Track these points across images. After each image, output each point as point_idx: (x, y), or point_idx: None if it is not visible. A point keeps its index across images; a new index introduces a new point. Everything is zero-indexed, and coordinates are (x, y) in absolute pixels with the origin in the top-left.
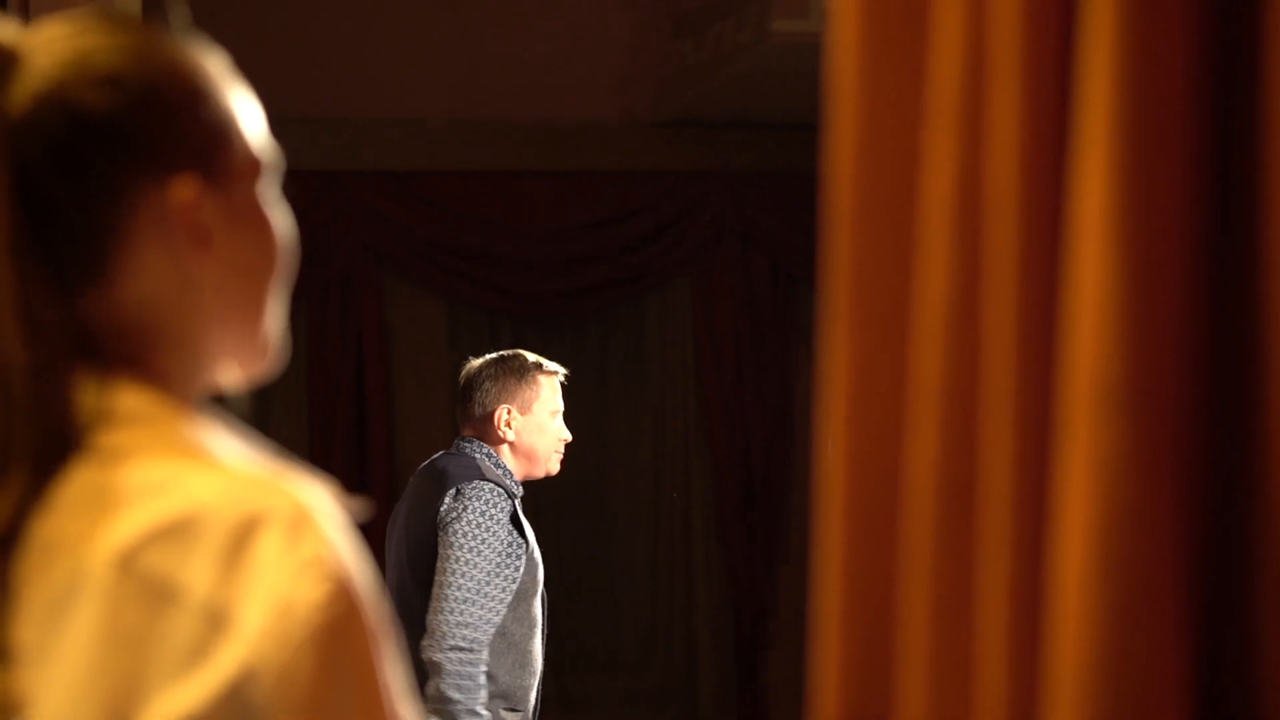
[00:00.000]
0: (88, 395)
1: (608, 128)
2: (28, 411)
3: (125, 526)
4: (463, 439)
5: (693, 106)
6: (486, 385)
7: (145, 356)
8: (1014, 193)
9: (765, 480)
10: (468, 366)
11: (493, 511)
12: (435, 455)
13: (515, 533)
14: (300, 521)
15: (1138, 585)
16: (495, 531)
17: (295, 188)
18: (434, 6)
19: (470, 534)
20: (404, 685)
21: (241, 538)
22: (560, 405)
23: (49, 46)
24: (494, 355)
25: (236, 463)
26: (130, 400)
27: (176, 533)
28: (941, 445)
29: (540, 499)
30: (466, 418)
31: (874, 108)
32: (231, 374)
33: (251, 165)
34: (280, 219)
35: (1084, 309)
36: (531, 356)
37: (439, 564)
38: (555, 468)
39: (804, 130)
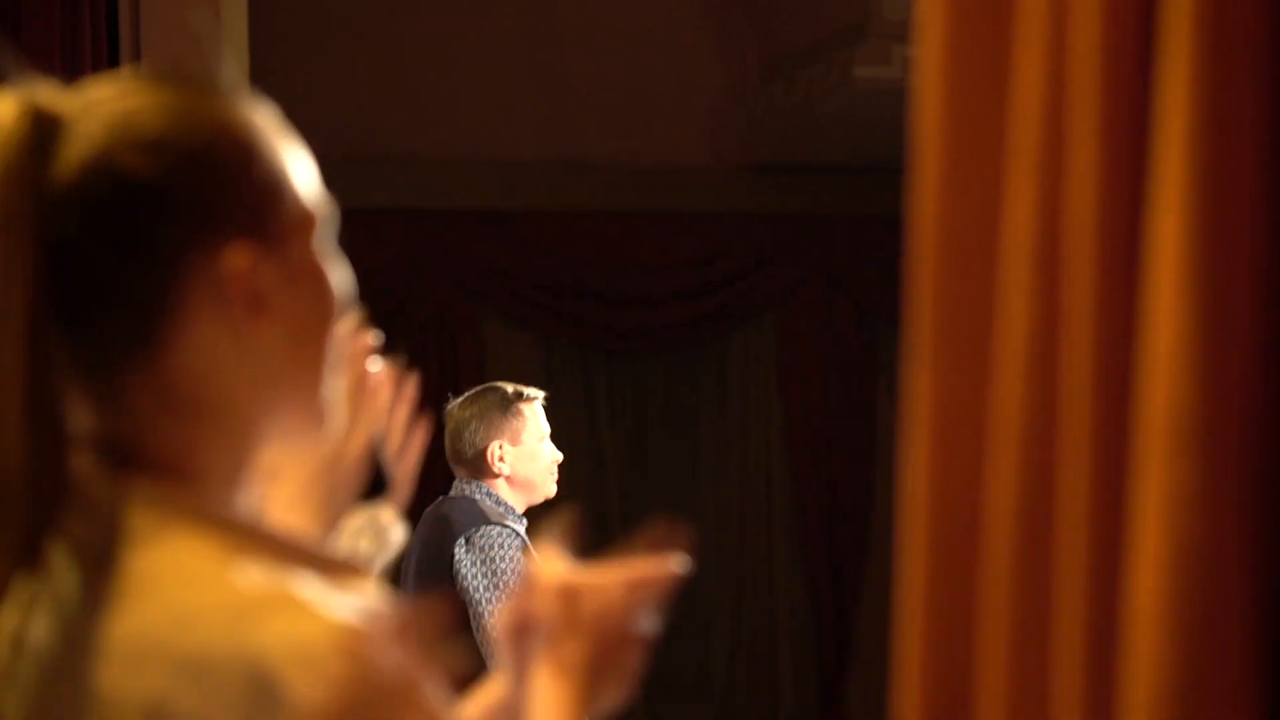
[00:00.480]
0: (105, 483)
1: (698, 169)
2: (20, 499)
3: (129, 642)
4: (461, 480)
5: (780, 150)
6: (474, 425)
7: (187, 435)
8: (1092, 234)
9: (848, 514)
10: (448, 409)
11: (504, 553)
12: (437, 501)
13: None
14: (304, 658)
15: (1209, 617)
16: (509, 573)
17: (392, 227)
18: (530, 49)
19: (487, 583)
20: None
21: (258, 689)
22: (546, 429)
23: (95, 110)
24: (472, 393)
25: (248, 575)
26: (152, 491)
27: (194, 677)
28: (1020, 480)
29: (629, 529)
30: (459, 460)
31: (956, 150)
32: (285, 440)
33: (305, 221)
34: (336, 272)
35: (1159, 347)
36: (510, 387)
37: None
38: (552, 490)
39: (887, 174)
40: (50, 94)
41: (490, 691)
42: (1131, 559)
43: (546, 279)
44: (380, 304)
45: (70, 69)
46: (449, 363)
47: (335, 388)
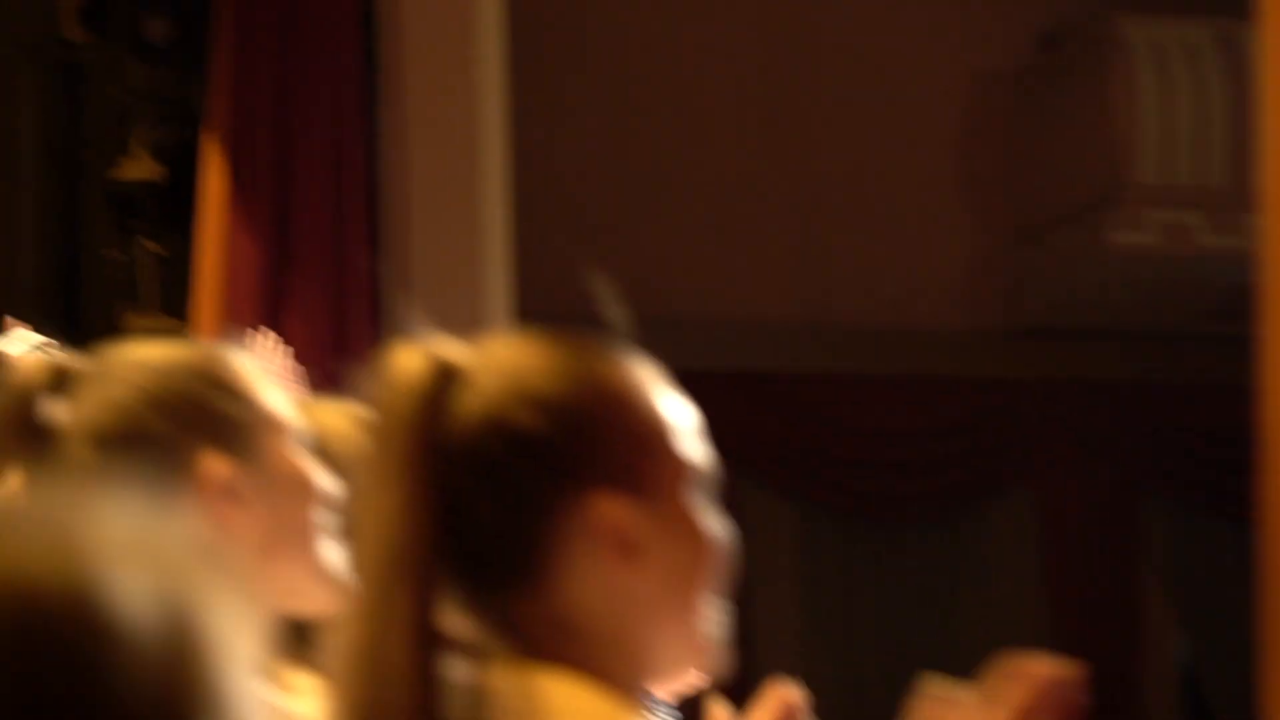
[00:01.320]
0: (509, 680)
1: (952, 334)
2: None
3: None
4: None
5: (1035, 314)
6: None
7: (580, 652)
8: None
9: (1112, 708)
10: None
11: None
12: None
13: None
14: None
15: None
16: None
17: None
18: (785, 211)
19: None
20: None
21: None
22: None
23: (491, 367)
24: None
25: None
26: (562, 687)
27: None
28: None
29: (880, 701)
30: None
31: None
32: (670, 674)
33: (679, 473)
34: (711, 521)
35: None
36: None
37: None
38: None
39: (1148, 340)
40: (451, 348)
41: None
42: None
43: (800, 443)
44: None
45: (338, 248)
46: None
47: (715, 627)
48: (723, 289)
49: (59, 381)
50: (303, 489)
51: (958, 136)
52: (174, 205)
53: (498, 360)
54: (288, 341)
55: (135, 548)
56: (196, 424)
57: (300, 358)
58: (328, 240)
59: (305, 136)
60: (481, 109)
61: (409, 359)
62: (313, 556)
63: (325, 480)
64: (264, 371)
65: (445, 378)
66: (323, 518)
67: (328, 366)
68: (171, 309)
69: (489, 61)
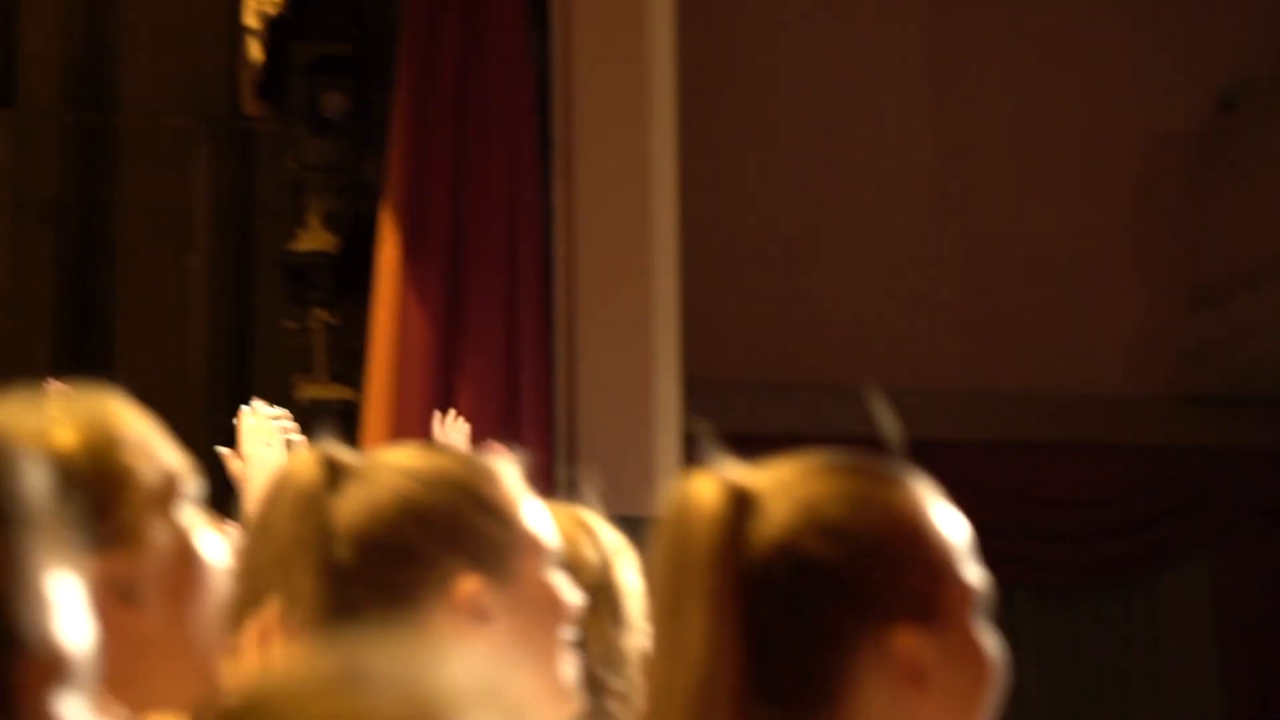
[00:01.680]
0: None
1: (1123, 400)
2: None
3: None
4: None
5: (1211, 381)
6: None
7: None
8: None
9: None
10: None
11: None
12: None
13: None
14: None
15: None
16: None
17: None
18: (953, 277)
19: None
20: None
21: None
22: None
23: (782, 492)
24: None
25: None
26: None
27: None
28: None
29: None
30: None
31: None
32: None
33: (966, 599)
34: (991, 644)
35: None
36: None
37: None
38: None
39: None
40: (743, 474)
41: None
42: None
43: (970, 512)
44: None
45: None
46: None
47: None
48: (890, 356)
49: (334, 478)
50: (552, 610)
51: (1131, 200)
52: (347, 275)
53: (788, 486)
54: (459, 412)
55: (482, 697)
56: (457, 543)
57: (472, 428)
58: (499, 312)
59: (479, 209)
60: (653, 181)
61: (704, 486)
62: (554, 675)
63: (573, 598)
64: (524, 487)
65: (741, 505)
66: (567, 635)
67: (499, 437)
68: (344, 378)
69: (661, 134)
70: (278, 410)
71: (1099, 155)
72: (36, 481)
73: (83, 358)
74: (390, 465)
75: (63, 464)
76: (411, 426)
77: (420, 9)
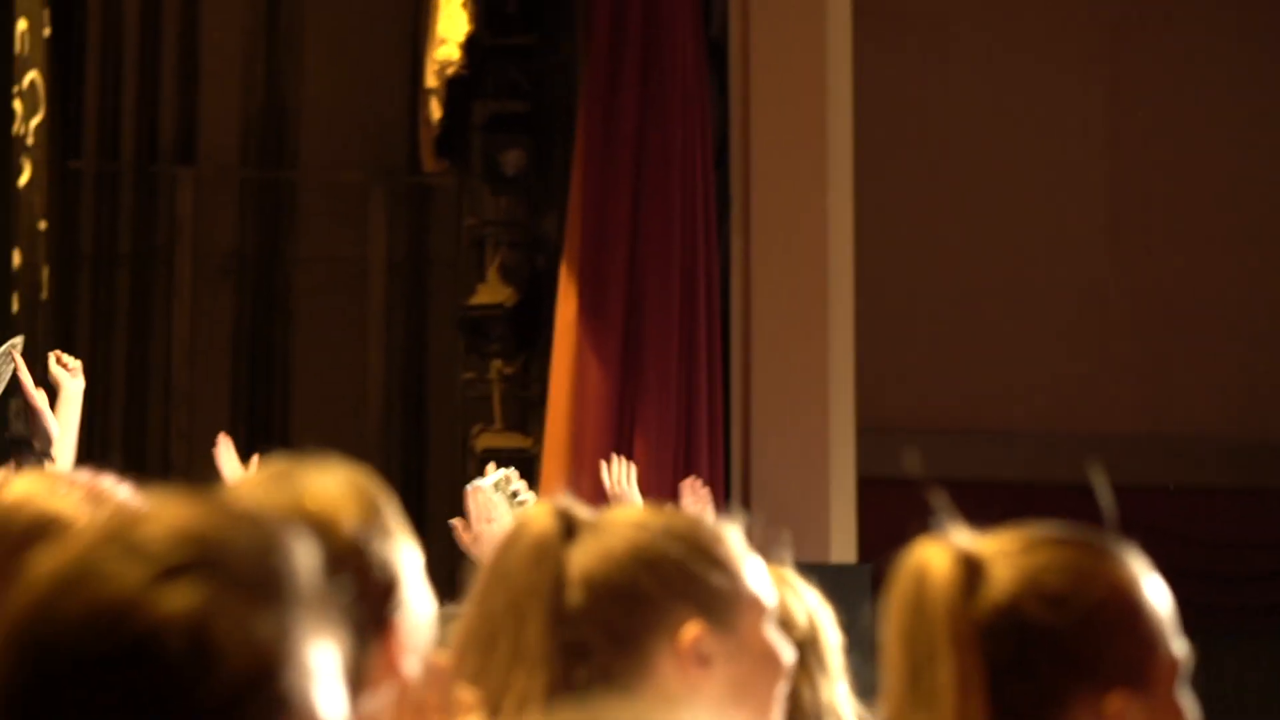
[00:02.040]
0: None
1: None
2: None
3: None
4: None
5: None
6: None
7: None
8: None
9: None
10: None
11: None
12: None
13: None
14: None
15: None
16: None
17: (995, 499)
18: (1125, 320)
19: None
20: None
21: None
22: None
23: (1006, 560)
24: None
25: None
26: None
27: None
28: None
29: None
30: None
31: None
32: None
33: (1172, 669)
34: (1191, 712)
35: None
36: None
37: None
38: None
39: None
40: (971, 541)
41: None
42: None
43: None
44: None
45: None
46: None
47: None
48: (1066, 402)
49: (568, 529)
50: (771, 664)
51: None
52: (523, 327)
53: (1011, 554)
54: (635, 461)
55: None
56: (685, 592)
57: (646, 480)
58: (675, 363)
59: (656, 263)
60: (829, 234)
61: (936, 553)
62: None
63: (789, 654)
64: (747, 547)
65: (970, 571)
66: (782, 690)
67: (673, 489)
68: (519, 427)
69: (839, 189)
70: (508, 471)
71: (1277, 193)
72: (306, 559)
73: (260, 407)
74: (623, 519)
75: (326, 542)
76: (588, 476)
77: (599, 67)
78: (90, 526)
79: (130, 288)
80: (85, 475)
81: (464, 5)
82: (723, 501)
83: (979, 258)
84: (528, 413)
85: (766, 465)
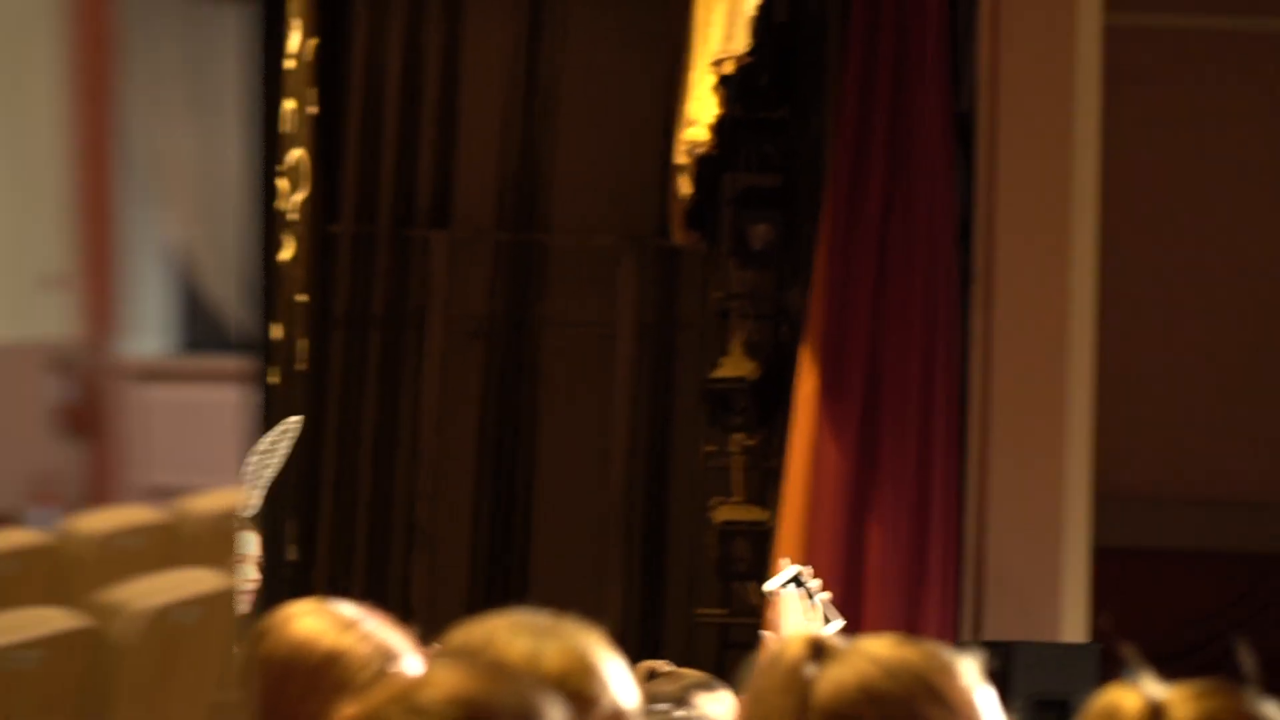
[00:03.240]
0: None
1: None
2: None
3: None
4: None
5: None
6: None
7: None
8: None
9: None
10: None
11: None
12: None
13: None
14: None
15: None
16: None
17: (1234, 573)
18: (1250, 381)
19: None
20: None
21: None
22: None
23: (1183, 705)
24: None
25: None
26: None
27: None
28: None
29: None
30: None
31: None
32: None
33: None
34: None
35: None
36: None
37: None
38: None
39: None
40: (1157, 688)
41: None
42: None
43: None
44: (1213, 647)
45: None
46: None
47: None
48: (1219, 466)
49: (817, 658)
50: None
51: None
52: (766, 401)
53: (1190, 699)
54: (866, 548)
55: None
56: None
57: (879, 565)
58: (913, 442)
59: (897, 341)
60: (1071, 314)
61: (1127, 698)
62: None
63: None
64: (982, 681)
65: (1156, 716)
66: None
67: (907, 569)
68: (760, 501)
69: (1081, 268)
70: (801, 568)
71: None
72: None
73: (505, 467)
74: (862, 651)
75: (573, 704)
76: (821, 554)
77: (848, 141)
78: (378, 686)
79: (381, 349)
80: (359, 610)
81: (714, 89)
82: (955, 586)
83: (1213, 329)
84: (766, 486)
85: (1001, 549)
